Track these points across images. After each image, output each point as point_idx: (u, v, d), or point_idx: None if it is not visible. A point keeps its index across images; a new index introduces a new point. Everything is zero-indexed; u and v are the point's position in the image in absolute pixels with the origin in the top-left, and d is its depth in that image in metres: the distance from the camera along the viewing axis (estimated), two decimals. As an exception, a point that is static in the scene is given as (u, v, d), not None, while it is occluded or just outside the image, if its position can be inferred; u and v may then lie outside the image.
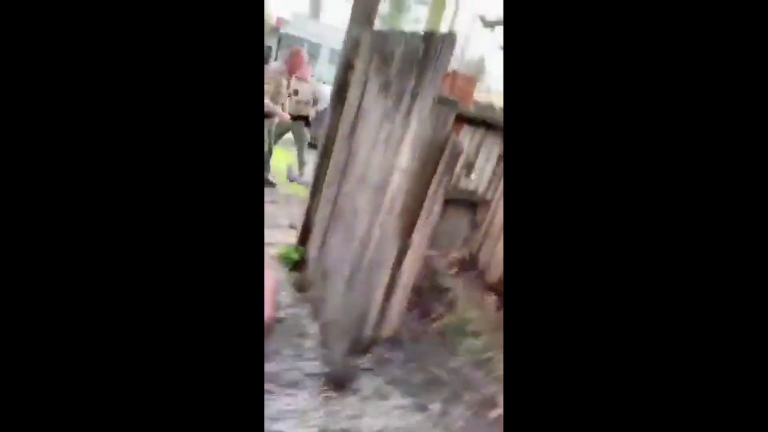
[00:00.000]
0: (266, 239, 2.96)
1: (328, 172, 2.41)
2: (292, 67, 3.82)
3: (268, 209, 3.59)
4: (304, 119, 4.30)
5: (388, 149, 1.66)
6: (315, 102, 4.36)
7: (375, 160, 1.76)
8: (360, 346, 1.84)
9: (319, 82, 4.42)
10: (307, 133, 4.50)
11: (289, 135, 4.46)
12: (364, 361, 1.98)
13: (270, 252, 2.75)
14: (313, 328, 2.08)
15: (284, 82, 3.79)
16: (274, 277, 1.81)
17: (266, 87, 3.84)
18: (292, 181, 4.12)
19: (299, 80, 4.03)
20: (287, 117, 3.81)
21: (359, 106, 2.05)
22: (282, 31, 21.96)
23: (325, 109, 4.18)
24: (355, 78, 2.17)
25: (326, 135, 2.44)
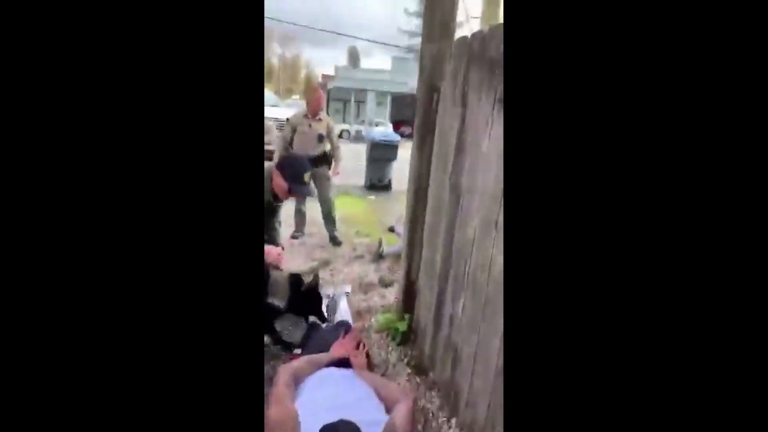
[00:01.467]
0: (362, 305, 2.56)
1: (427, 219, 1.98)
2: (314, 107, 3.55)
3: (354, 269, 3.25)
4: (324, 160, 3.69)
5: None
6: (321, 138, 3.66)
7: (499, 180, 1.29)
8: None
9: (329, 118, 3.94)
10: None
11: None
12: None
13: (371, 322, 2.34)
14: (449, 428, 1.57)
15: (305, 122, 3.49)
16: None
17: (285, 128, 3.59)
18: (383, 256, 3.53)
19: (317, 121, 3.58)
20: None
21: (460, 133, 1.61)
22: (330, 85, 23.35)
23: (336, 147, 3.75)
24: (445, 108, 1.77)
25: (415, 178, 2.03)
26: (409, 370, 1.91)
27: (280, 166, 1.99)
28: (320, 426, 0.93)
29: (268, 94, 11.15)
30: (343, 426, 0.94)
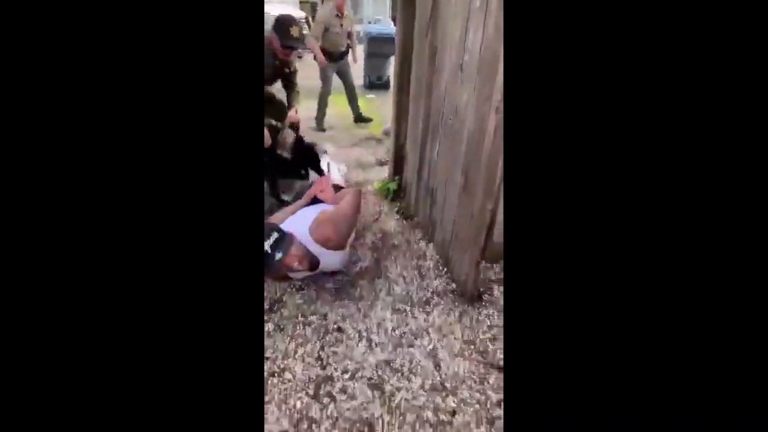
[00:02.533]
0: (360, 178, 2.91)
1: (412, 87, 2.19)
2: (340, 4, 3.84)
3: (354, 152, 3.54)
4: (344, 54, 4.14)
5: (479, 25, 1.38)
6: (349, 35, 4.10)
7: (469, 43, 1.49)
8: (488, 254, 1.69)
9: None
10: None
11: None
12: (498, 271, 1.85)
13: (368, 189, 2.70)
14: (429, 250, 1.99)
15: (336, 21, 3.82)
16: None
17: (315, 27, 3.89)
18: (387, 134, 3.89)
19: (344, 18, 3.94)
20: (322, 58, 3.89)
21: (434, 5, 1.75)
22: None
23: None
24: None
25: (401, 44, 2.19)
26: (398, 216, 2.31)
27: (273, 28, 2.17)
28: None
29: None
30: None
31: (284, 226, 1.54)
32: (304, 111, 2.65)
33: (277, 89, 2.49)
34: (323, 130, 4.18)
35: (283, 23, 2.15)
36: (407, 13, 2.10)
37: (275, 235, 1.42)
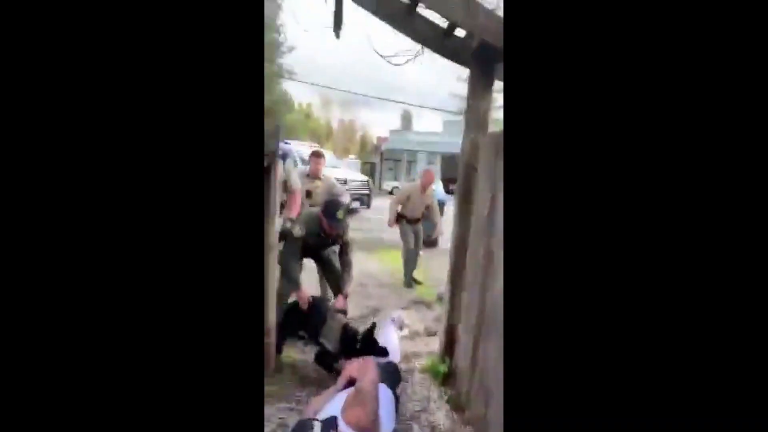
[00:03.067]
0: (408, 350, 2.87)
1: (468, 275, 2.33)
2: (426, 183, 4.56)
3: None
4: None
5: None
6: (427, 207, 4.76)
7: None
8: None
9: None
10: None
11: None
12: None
13: (415, 365, 2.63)
14: (483, 459, 1.79)
15: (418, 193, 4.50)
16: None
17: (399, 194, 4.65)
18: None
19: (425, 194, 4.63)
20: (391, 221, 4.63)
21: (492, 206, 2.02)
22: (383, 147, 24.84)
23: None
24: (480, 184, 2.20)
25: (457, 240, 2.42)
26: (448, 407, 2.17)
27: (322, 208, 2.49)
28: None
29: (329, 155, 12.33)
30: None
31: (321, 415, 1.51)
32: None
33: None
34: (410, 286, 4.45)
35: (331, 206, 2.46)
36: (463, 208, 2.39)
37: (317, 427, 1.38)
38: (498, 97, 2.41)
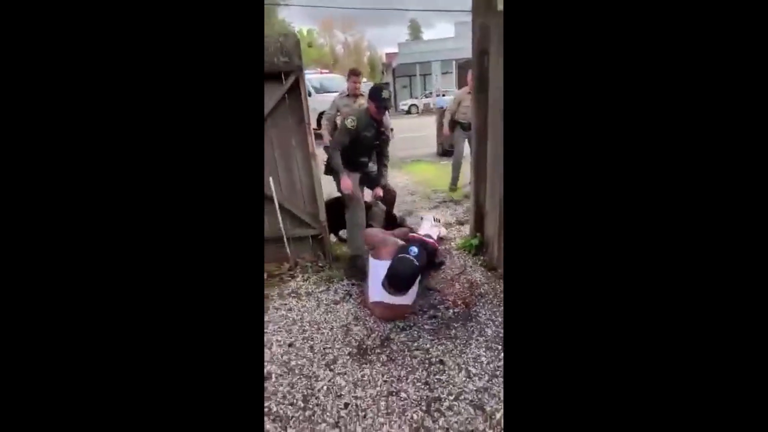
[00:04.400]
0: (444, 235, 3.25)
1: (489, 157, 2.56)
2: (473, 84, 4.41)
3: (435, 214, 3.94)
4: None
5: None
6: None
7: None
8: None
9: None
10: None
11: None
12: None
13: (452, 245, 3.02)
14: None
15: (468, 97, 4.29)
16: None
17: (452, 104, 4.47)
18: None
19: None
20: (447, 131, 4.53)
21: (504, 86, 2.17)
22: (395, 63, 23.40)
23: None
24: (493, 62, 2.31)
25: (476, 122, 2.61)
26: (483, 269, 2.57)
27: (369, 94, 2.67)
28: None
29: (342, 80, 11.99)
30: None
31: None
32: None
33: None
34: (454, 190, 4.64)
35: (377, 89, 2.66)
36: (480, 92, 2.54)
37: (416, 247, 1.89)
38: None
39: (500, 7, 2.27)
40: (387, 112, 2.72)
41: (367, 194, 2.92)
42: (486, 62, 2.40)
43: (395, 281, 1.87)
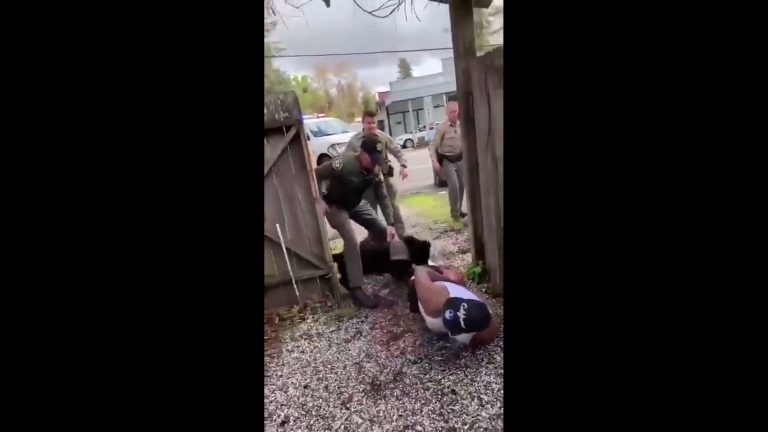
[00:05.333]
0: (448, 264, 3.33)
1: (481, 188, 2.70)
2: (452, 116, 4.57)
3: (438, 244, 4.03)
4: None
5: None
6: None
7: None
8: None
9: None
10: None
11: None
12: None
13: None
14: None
15: (450, 130, 4.54)
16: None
17: (436, 137, 4.68)
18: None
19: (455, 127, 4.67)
20: (436, 164, 4.69)
21: (489, 120, 2.34)
22: (387, 101, 24.30)
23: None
24: (477, 100, 2.50)
25: (467, 160, 2.77)
26: (487, 296, 2.63)
27: (363, 146, 2.87)
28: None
29: (338, 123, 12.43)
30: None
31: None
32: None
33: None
34: (457, 218, 4.74)
35: (371, 142, 2.87)
36: (468, 129, 2.71)
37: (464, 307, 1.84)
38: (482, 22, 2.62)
39: (479, 52, 2.49)
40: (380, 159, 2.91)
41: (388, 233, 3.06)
42: (471, 101, 2.59)
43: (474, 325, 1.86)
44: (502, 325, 2.12)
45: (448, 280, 2.30)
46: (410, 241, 3.12)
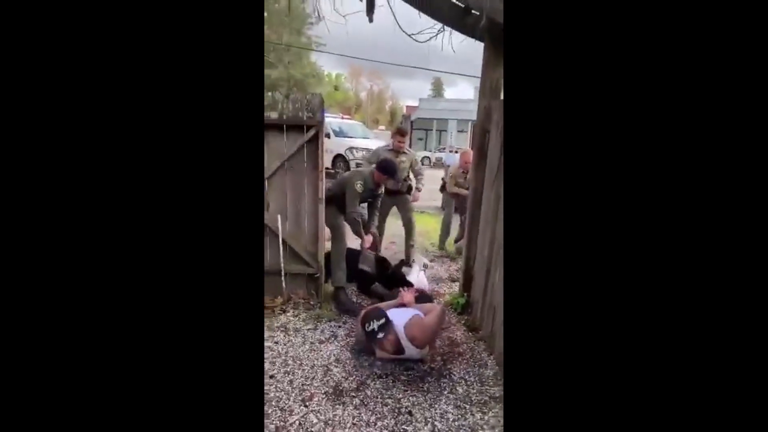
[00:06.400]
0: (436, 290, 3.39)
1: (481, 221, 2.77)
2: (465, 165, 4.61)
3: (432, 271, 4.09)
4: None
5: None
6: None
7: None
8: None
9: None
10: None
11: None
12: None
13: (440, 301, 3.15)
14: (491, 361, 2.30)
15: (462, 176, 4.60)
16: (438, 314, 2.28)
17: (450, 180, 4.73)
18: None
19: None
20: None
21: (500, 160, 2.42)
22: (413, 116, 24.55)
23: None
24: (493, 139, 2.59)
25: (473, 192, 2.84)
26: (465, 328, 2.68)
27: (383, 169, 3.02)
28: None
29: (360, 127, 12.55)
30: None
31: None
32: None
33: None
34: (442, 248, 4.77)
35: (388, 162, 3.05)
36: (480, 164, 2.79)
37: (383, 320, 2.00)
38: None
39: (502, 95, 2.58)
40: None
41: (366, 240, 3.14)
42: (487, 139, 2.68)
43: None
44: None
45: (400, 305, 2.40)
46: (382, 261, 3.25)
